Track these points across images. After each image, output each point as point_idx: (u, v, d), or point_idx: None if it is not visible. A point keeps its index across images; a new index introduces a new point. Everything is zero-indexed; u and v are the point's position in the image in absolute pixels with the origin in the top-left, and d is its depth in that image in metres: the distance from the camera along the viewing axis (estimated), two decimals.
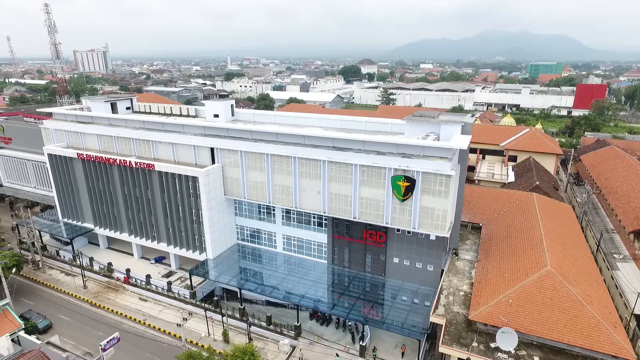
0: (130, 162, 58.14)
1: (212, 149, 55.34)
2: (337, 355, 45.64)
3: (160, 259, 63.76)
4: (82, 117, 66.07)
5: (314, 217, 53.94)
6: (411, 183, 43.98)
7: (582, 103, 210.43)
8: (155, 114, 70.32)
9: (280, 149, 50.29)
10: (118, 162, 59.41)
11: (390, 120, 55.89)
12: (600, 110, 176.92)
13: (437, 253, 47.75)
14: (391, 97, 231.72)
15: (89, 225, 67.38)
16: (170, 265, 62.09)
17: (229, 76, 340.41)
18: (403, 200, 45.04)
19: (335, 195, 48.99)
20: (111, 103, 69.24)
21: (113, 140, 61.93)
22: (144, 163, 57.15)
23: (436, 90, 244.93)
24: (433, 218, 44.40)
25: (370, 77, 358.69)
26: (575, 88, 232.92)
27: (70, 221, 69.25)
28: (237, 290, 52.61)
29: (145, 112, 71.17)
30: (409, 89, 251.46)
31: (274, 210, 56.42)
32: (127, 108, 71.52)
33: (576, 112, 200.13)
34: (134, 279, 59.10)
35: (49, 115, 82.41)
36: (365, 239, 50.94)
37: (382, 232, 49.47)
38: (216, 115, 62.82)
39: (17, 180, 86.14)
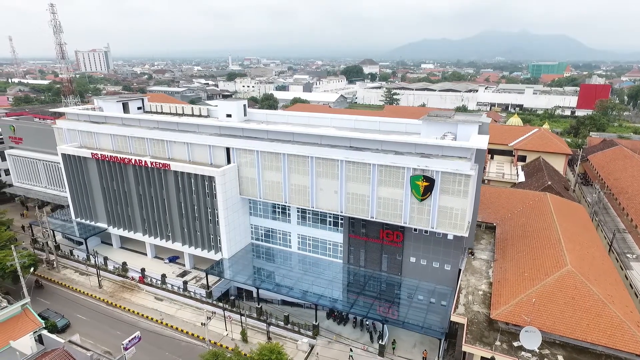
0: (145, 161, 58.33)
1: (227, 149, 55.54)
2: (351, 350, 45.85)
3: (174, 258, 63.96)
4: (95, 117, 66.24)
5: (329, 217, 54.16)
6: (430, 183, 44.20)
7: (586, 103, 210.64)
8: (166, 114, 70.46)
9: (297, 149, 50.49)
10: (133, 162, 59.59)
11: (405, 120, 56.06)
12: (604, 110, 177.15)
13: (455, 252, 47.96)
14: (394, 97, 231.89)
15: (102, 224, 67.57)
16: (184, 265, 62.28)
17: (231, 76, 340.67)
18: (422, 200, 45.26)
19: (353, 195, 49.21)
20: (123, 103, 69.40)
21: (127, 140, 62.11)
22: (159, 163, 57.34)
23: (439, 91, 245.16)
24: (452, 217, 44.61)
25: (373, 77, 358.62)
26: (578, 88, 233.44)
27: (83, 221, 69.43)
28: (254, 289, 52.83)
29: (156, 112, 71.31)
30: (412, 89, 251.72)
31: (289, 209, 56.61)
32: (139, 108, 71.68)
33: (580, 112, 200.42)
34: (149, 279, 59.30)
35: (58, 115, 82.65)
36: (382, 238, 51.15)
37: (399, 231, 49.67)
38: (229, 115, 62.91)
39: (27, 180, 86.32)
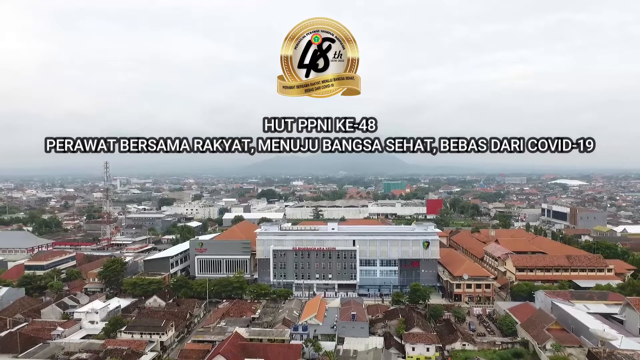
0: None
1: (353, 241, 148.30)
2: None
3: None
4: (280, 233, 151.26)
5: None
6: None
7: (431, 210, 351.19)
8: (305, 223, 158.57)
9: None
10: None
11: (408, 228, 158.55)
12: (442, 215, 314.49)
13: None
14: (320, 212, 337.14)
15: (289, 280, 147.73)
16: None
17: (162, 201, 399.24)
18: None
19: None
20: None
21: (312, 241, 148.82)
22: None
23: (344, 207, 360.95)
24: None
25: (279, 196, 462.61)
26: (424, 201, 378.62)
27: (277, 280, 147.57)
28: None
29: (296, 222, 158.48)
30: (325, 206, 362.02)
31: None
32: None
33: (429, 216, 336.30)
34: None
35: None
36: None
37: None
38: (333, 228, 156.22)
39: (208, 271, 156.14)
